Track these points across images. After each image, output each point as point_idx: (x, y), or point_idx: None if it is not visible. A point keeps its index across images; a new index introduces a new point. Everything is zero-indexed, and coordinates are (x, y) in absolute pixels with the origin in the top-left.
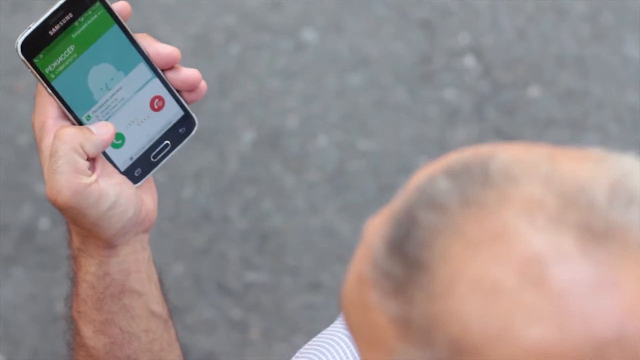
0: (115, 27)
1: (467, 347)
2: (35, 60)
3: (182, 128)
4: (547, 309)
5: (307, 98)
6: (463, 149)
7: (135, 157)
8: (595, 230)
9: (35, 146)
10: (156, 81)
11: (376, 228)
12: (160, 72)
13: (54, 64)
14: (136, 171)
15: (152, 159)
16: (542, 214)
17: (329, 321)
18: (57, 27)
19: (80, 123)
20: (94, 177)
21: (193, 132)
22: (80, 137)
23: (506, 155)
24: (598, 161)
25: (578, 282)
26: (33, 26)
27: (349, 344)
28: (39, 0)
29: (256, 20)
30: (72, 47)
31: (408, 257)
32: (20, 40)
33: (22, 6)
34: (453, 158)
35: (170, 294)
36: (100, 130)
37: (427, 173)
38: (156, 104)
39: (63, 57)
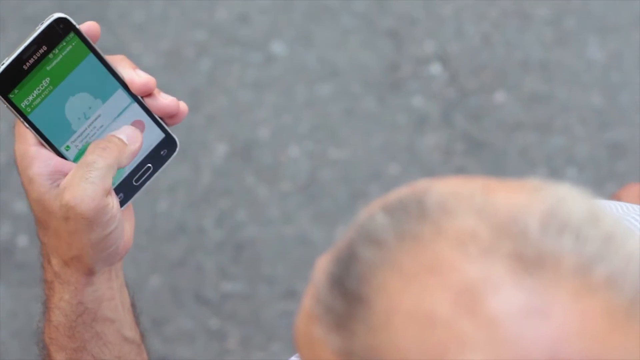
0: (91, 55)
1: None
2: (11, 96)
3: (163, 150)
4: (481, 337)
5: (278, 109)
6: (405, 186)
7: (117, 183)
8: (527, 258)
9: (12, 164)
10: (135, 106)
11: (322, 265)
12: (139, 96)
13: (30, 98)
14: (119, 195)
15: (135, 183)
16: (475, 244)
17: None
18: (31, 60)
19: (59, 154)
20: (115, 200)
21: (175, 153)
22: (117, 152)
23: (442, 189)
24: (533, 191)
25: (510, 310)
26: (6, 62)
27: None
28: (12, 20)
29: (226, 34)
30: (47, 80)
31: (348, 292)
32: None
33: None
34: (392, 195)
35: (148, 307)
36: (132, 141)
37: (368, 210)
38: None
39: (39, 90)
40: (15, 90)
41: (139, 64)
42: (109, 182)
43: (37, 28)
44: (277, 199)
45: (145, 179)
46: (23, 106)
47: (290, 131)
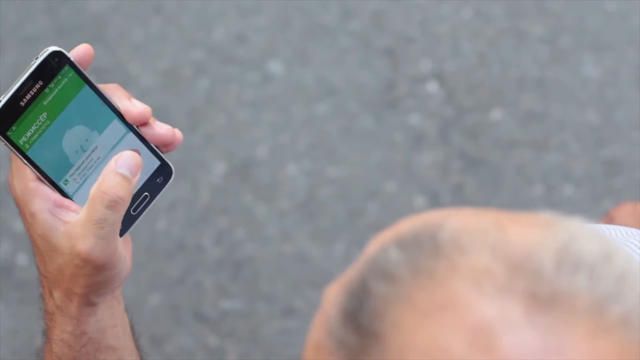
0: (86, 87)
1: None
2: (9, 134)
3: (159, 178)
4: None
5: (276, 128)
6: (414, 216)
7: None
8: (541, 297)
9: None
10: (130, 135)
11: (333, 297)
12: (134, 125)
13: (28, 134)
14: None
15: (132, 213)
16: (490, 282)
17: (304, 346)
18: (27, 96)
19: (58, 188)
20: (121, 242)
21: (170, 180)
22: (124, 194)
23: (455, 224)
24: (546, 226)
25: (525, 350)
26: (3, 99)
27: None
28: (11, 39)
29: (223, 54)
30: (44, 115)
31: (362, 327)
32: None
33: None
34: (404, 227)
35: (148, 325)
36: (134, 172)
37: (380, 243)
38: None
39: (36, 125)
40: (13, 127)
41: (137, 84)
42: (118, 231)
43: (32, 63)
44: (276, 217)
45: (143, 207)
46: (21, 143)
47: (288, 150)
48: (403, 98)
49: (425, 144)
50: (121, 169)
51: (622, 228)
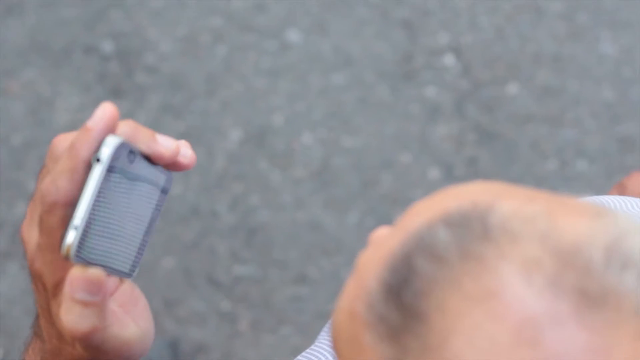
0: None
1: None
2: (85, 254)
3: (164, 194)
4: None
5: (292, 97)
6: (462, 190)
7: (136, 254)
8: (591, 295)
9: (30, 145)
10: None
11: (372, 268)
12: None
13: (93, 244)
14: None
15: (144, 240)
16: (539, 274)
17: (315, 313)
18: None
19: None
20: (137, 329)
21: (169, 190)
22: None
23: (505, 208)
24: (595, 217)
25: (571, 348)
26: (77, 232)
27: None
28: (31, 1)
29: (242, 21)
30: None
31: (405, 305)
32: (72, 253)
33: (15, 8)
34: (452, 205)
35: (161, 288)
36: (94, 293)
37: (425, 219)
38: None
39: (100, 229)
40: (87, 244)
41: (155, 49)
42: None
43: (90, 180)
44: (290, 185)
45: (150, 231)
46: (93, 257)
47: (304, 118)
48: (420, 70)
49: (440, 116)
50: (77, 294)
51: (635, 200)
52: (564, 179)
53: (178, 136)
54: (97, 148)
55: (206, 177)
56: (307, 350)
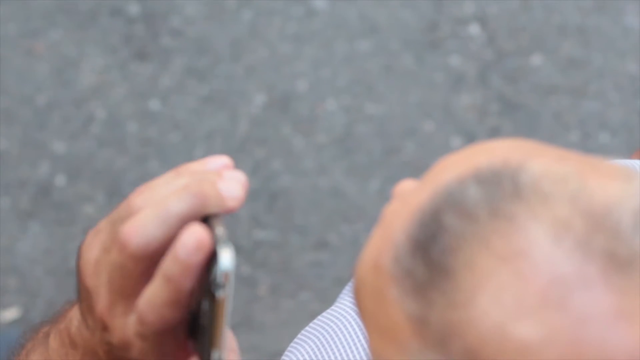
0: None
1: (482, 359)
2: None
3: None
4: (566, 333)
5: (317, 63)
6: (492, 146)
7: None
8: (619, 258)
9: (54, 105)
10: None
11: (399, 221)
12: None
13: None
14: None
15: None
16: (568, 236)
17: (335, 279)
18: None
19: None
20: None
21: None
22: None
23: (536, 167)
24: (625, 180)
25: (598, 310)
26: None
27: (357, 325)
28: None
29: None
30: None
31: (432, 260)
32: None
33: None
34: (482, 161)
35: None
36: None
37: (455, 174)
38: None
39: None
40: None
41: (181, 12)
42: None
43: (219, 311)
44: (313, 151)
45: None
46: None
47: (328, 85)
48: (445, 39)
49: (464, 85)
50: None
51: None
52: (586, 151)
53: (202, 99)
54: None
55: (229, 141)
56: (328, 310)
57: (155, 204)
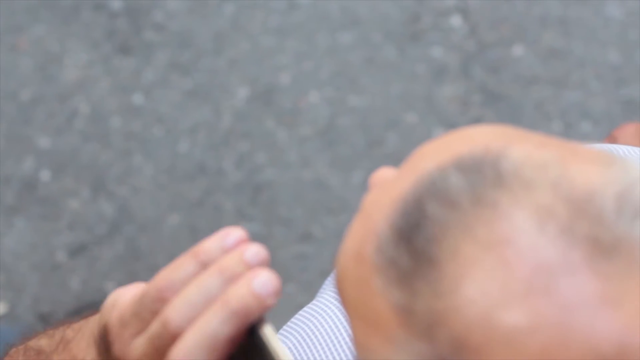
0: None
1: (469, 347)
2: None
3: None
4: (552, 320)
5: (300, 56)
6: (471, 133)
7: None
8: (603, 243)
9: (37, 101)
10: None
11: (380, 209)
12: None
13: None
14: None
15: None
16: (552, 222)
17: (320, 271)
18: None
19: None
20: None
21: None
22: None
23: (517, 154)
24: (606, 165)
25: (585, 296)
26: None
27: (338, 319)
28: None
29: None
30: None
31: (416, 250)
32: None
33: None
34: (463, 149)
35: (167, 245)
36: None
37: (437, 163)
38: None
39: None
40: None
41: (163, 7)
42: None
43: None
44: (296, 143)
45: None
46: None
47: (310, 77)
48: (426, 30)
49: (446, 77)
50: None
51: (627, 147)
52: (568, 141)
53: (185, 94)
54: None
55: (213, 135)
56: (309, 304)
57: (199, 329)
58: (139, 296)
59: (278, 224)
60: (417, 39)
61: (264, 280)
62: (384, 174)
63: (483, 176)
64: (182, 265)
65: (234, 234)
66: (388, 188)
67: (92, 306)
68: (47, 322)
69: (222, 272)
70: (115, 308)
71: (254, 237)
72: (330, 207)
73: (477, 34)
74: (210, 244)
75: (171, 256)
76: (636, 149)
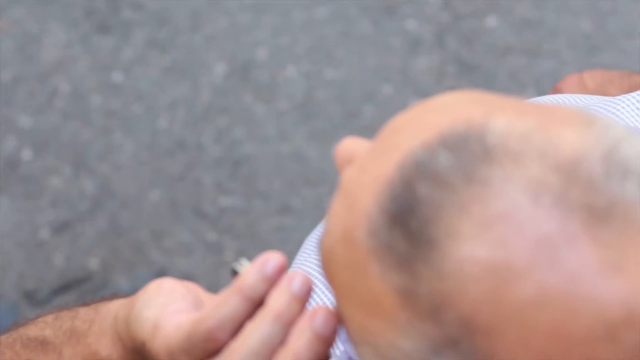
0: None
1: (478, 326)
2: None
3: None
4: (559, 291)
5: (276, 31)
6: (444, 103)
7: None
8: (597, 209)
9: (18, 81)
10: None
11: (365, 191)
12: None
13: None
14: None
15: None
16: (546, 193)
17: (299, 242)
18: None
19: None
20: None
21: None
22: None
23: (500, 124)
24: (585, 125)
25: (586, 264)
26: None
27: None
28: None
29: None
30: None
31: (413, 233)
32: None
33: None
34: (444, 124)
35: (149, 220)
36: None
37: (420, 141)
38: None
39: None
40: None
41: None
42: None
43: None
44: (274, 117)
45: None
46: None
47: (287, 52)
48: (401, 3)
49: (421, 48)
50: None
51: (572, 95)
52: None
53: (164, 71)
54: None
55: (191, 111)
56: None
57: None
58: (187, 334)
59: (257, 197)
60: (392, 12)
61: (324, 320)
62: (350, 145)
63: (470, 152)
64: (227, 302)
65: (272, 261)
66: (368, 167)
67: (76, 283)
68: (31, 299)
69: (279, 317)
70: (158, 332)
71: (234, 211)
72: (309, 179)
73: (451, 6)
74: (252, 277)
75: (153, 231)
76: (581, 96)
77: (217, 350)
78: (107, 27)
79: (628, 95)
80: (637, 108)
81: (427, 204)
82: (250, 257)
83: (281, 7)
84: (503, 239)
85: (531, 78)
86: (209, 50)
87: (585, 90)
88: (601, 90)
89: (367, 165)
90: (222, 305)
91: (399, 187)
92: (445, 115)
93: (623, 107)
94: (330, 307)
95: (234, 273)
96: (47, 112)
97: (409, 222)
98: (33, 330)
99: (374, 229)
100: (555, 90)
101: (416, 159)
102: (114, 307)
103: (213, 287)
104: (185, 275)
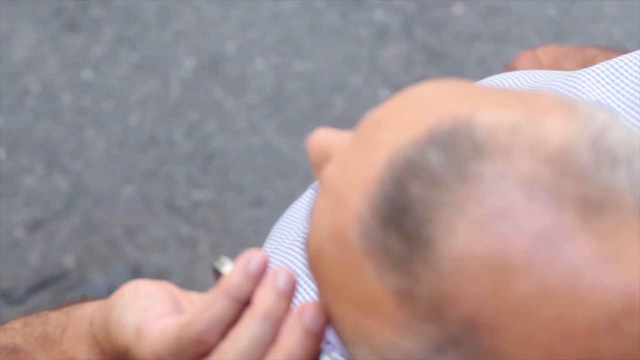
0: None
1: (481, 324)
2: None
3: None
4: (559, 285)
5: (244, 25)
6: (421, 95)
7: None
8: (592, 200)
9: None
10: None
11: (353, 191)
12: None
13: None
14: None
15: None
16: (539, 188)
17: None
18: None
19: None
20: None
21: None
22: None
23: (486, 119)
24: (570, 112)
25: (585, 257)
26: None
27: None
28: None
29: None
30: None
31: (408, 233)
32: None
33: None
34: (432, 122)
35: (122, 216)
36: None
37: (408, 139)
38: None
39: None
40: None
41: None
42: None
43: None
44: (244, 111)
45: None
46: None
47: (256, 45)
48: None
49: (389, 38)
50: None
51: (527, 72)
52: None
53: (133, 67)
54: None
55: (162, 106)
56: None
57: None
58: (176, 338)
59: (230, 190)
60: (359, 3)
61: (313, 316)
62: (323, 138)
63: (461, 150)
64: (214, 304)
65: (255, 260)
66: (352, 164)
67: (52, 281)
68: (8, 298)
69: (268, 316)
70: (143, 337)
71: (207, 205)
72: (281, 171)
73: None
74: (237, 277)
75: (126, 227)
76: (539, 71)
77: (207, 353)
78: (76, 25)
79: (588, 69)
80: (597, 82)
81: (421, 204)
82: (225, 251)
83: (248, 1)
84: (501, 236)
85: (499, 64)
86: (177, 46)
87: (540, 66)
88: (556, 66)
89: (351, 162)
90: (209, 307)
91: (391, 187)
92: (427, 109)
93: (583, 82)
94: (317, 298)
95: (216, 272)
96: (18, 112)
97: (403, 222)
98: (2, 337)
99: (366, 230)
100: (510, 68)
101: (406, 157)
102: (88, 312)
103: (188, 281)
104: (160, 270)
